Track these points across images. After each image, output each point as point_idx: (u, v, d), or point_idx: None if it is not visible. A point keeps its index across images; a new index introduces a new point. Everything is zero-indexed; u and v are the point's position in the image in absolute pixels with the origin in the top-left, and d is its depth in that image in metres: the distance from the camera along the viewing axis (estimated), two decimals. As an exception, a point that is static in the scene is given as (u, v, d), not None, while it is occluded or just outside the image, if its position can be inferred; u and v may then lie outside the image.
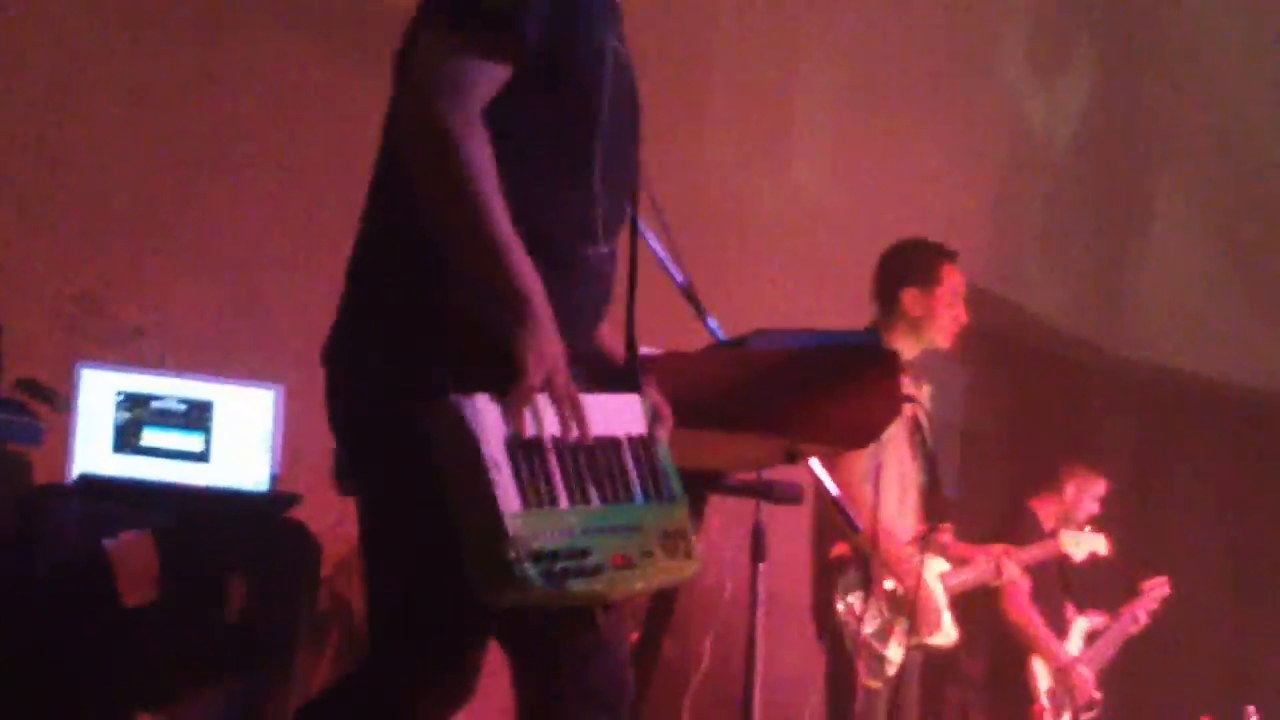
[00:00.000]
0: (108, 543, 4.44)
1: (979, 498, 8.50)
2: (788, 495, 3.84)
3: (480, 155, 2.84)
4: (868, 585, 5.70)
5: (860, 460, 5.61)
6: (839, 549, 5.72)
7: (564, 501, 2.82)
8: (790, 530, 5.56)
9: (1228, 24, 10.30)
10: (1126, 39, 10.19)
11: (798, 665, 6.07)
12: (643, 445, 2.99)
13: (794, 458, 3.58)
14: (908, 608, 5.77)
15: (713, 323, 3.73)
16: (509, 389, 2.80)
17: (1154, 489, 10.35)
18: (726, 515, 4.43)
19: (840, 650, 5.67)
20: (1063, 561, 7.23)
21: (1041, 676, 7.43)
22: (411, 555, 2.96)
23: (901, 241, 6.16)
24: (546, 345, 2.84)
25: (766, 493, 3.83)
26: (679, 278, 3.75)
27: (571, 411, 2.86)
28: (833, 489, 4.16)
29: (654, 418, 3.04)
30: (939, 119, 8.81)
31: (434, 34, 2.94)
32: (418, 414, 2.80)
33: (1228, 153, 10.38)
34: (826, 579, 5.77)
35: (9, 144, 5.41)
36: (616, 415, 2.98)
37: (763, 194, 7.88)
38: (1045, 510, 7.73)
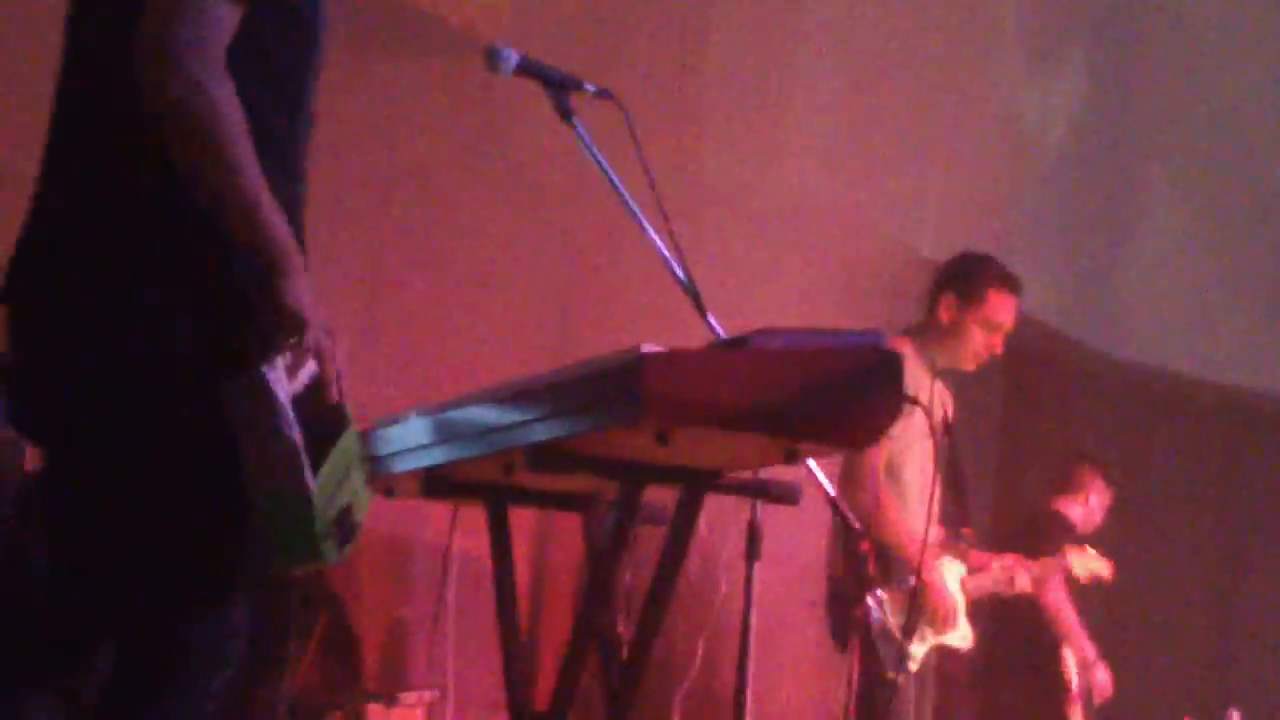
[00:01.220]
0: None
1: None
2: (785, 495, 3.82)
3: (234, 111, 2.73)
4: (890, 580, 5.69)
5: (877, 460, 5.62)
6: (866, 545, 5.70)
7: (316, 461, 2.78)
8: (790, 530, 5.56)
9: (1221, 20, 10.30)
10: (1120, 37, 10.19)
11: (795, 665, 6.09)
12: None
13: (792, 458, 3.55)
14: (922, 606, 5.79)
15: (714, 320, 3.71)
16: (282, 348, 2.74)
17: (1141, 491, 10.36)
18: (721, 514, 4.43)
19: (868, 644, 5.63)
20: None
21: (1071, 667, 7.53)
22: (164, 526, 2.83)
23: (972, 251, 6.10)
24: (302, 297, 2.77)
25: (763, 492, 3.80)
26: (681, 275, 3.74)
27: (332, 365, 2.81)
28: (829, 489, 4.16)
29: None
30: (933, 115, 8.82)
31: None
32: (220, 389, 2.72)
33: (1221, 150, 10.37)
34: (852, 574, 5.74)
35: None
36: None
37: (759, 189, 7.87)
38: (1071, 513, 7.83)
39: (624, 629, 4.47)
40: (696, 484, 3.70)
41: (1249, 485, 10.86)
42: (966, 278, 5.95)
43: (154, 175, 2.79)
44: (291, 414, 2.71)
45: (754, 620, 4.11)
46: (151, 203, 2.81)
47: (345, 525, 2.81)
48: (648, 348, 3.22)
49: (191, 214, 2.77)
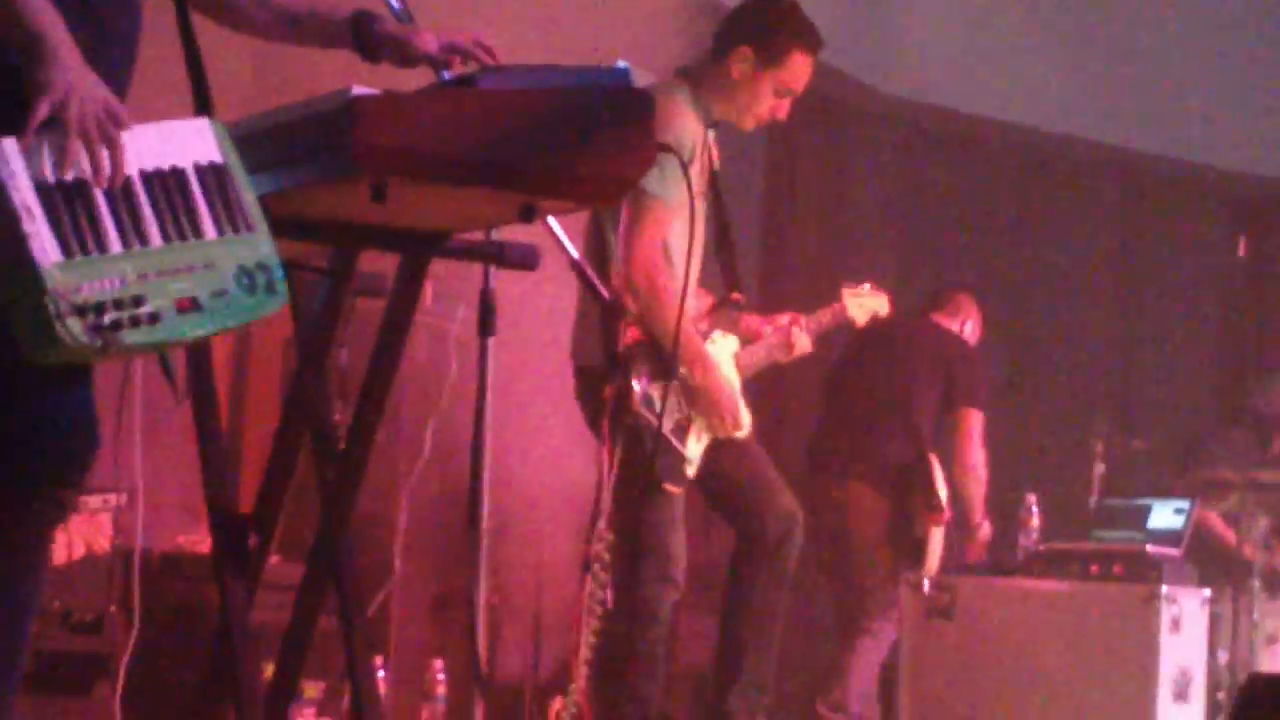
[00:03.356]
0: None
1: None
2: (521, 258, 3.81)
3: None
4: (664, 374, 5.63)
5: (655, 233, 5.60)
6: (631, 335, 5.63)
7: (115, 245, 3.01)
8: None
9: None
10: None
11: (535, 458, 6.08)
12: (215, 174, 3.15)
13: (530, 215, 3.55)
14: (701, 403, 5.81)
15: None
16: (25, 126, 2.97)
17: (924, 235, 10.56)
18: (450, 283, 4.40)
19: (637, 448, 5.59)
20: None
21: (940, 483, 7.77)
22: None
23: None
24: (62, 77, 3.00)
25: (497, 256, 3.80)
26: (394, 1, 3.69)
27: (101, 146, 3.01)
28: (573, 252, 4.14)
29: (228, 142, 3.20)
30: None
31: None
32: None
33: None
34: (615, 366, 5.65)
35: None
36: (181, 143, 3.15)
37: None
38: (951, 329, 8.18)
39: (340, 416, 4.45)
40: (420, 247, 3.71)
41: (1036, 226, 11.15)
42: (771, 34, 5.92)
43: None
44: (22, 188, 2.93)
45: (489, 404, 4.11)
46: None
47: (122, 314, 2.97)
48: (358, 89, 3.20)
49: None
